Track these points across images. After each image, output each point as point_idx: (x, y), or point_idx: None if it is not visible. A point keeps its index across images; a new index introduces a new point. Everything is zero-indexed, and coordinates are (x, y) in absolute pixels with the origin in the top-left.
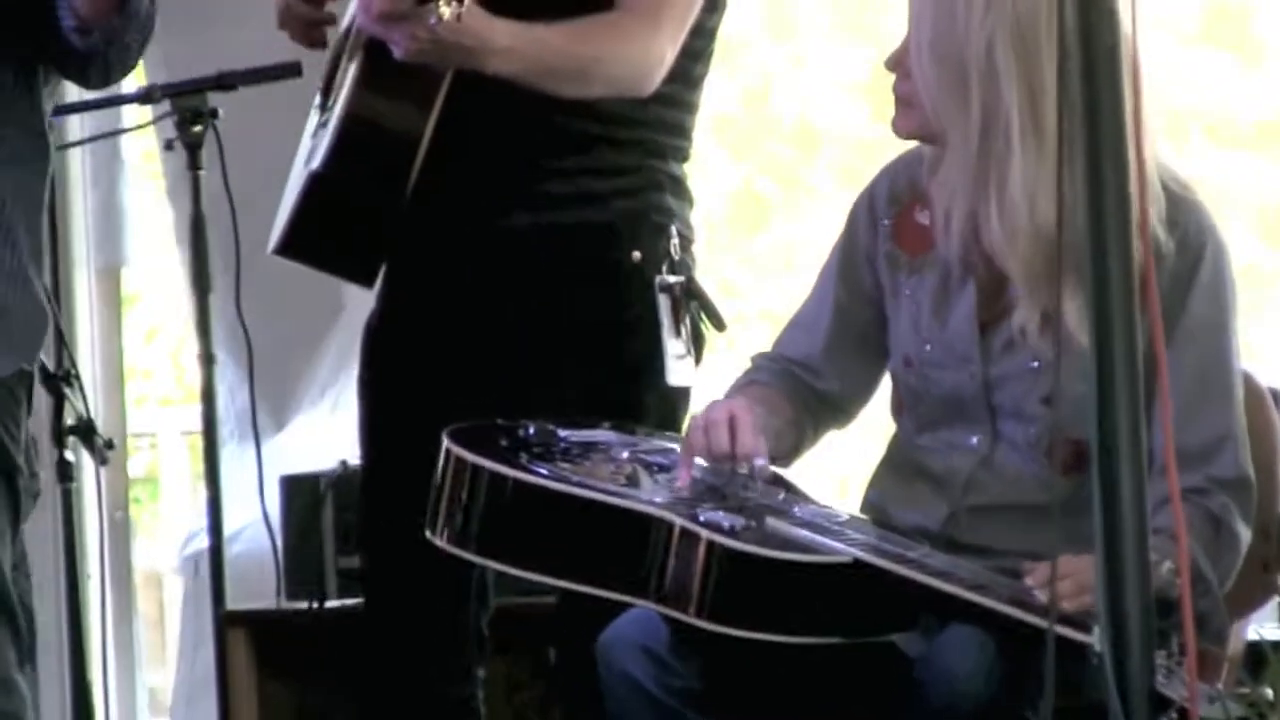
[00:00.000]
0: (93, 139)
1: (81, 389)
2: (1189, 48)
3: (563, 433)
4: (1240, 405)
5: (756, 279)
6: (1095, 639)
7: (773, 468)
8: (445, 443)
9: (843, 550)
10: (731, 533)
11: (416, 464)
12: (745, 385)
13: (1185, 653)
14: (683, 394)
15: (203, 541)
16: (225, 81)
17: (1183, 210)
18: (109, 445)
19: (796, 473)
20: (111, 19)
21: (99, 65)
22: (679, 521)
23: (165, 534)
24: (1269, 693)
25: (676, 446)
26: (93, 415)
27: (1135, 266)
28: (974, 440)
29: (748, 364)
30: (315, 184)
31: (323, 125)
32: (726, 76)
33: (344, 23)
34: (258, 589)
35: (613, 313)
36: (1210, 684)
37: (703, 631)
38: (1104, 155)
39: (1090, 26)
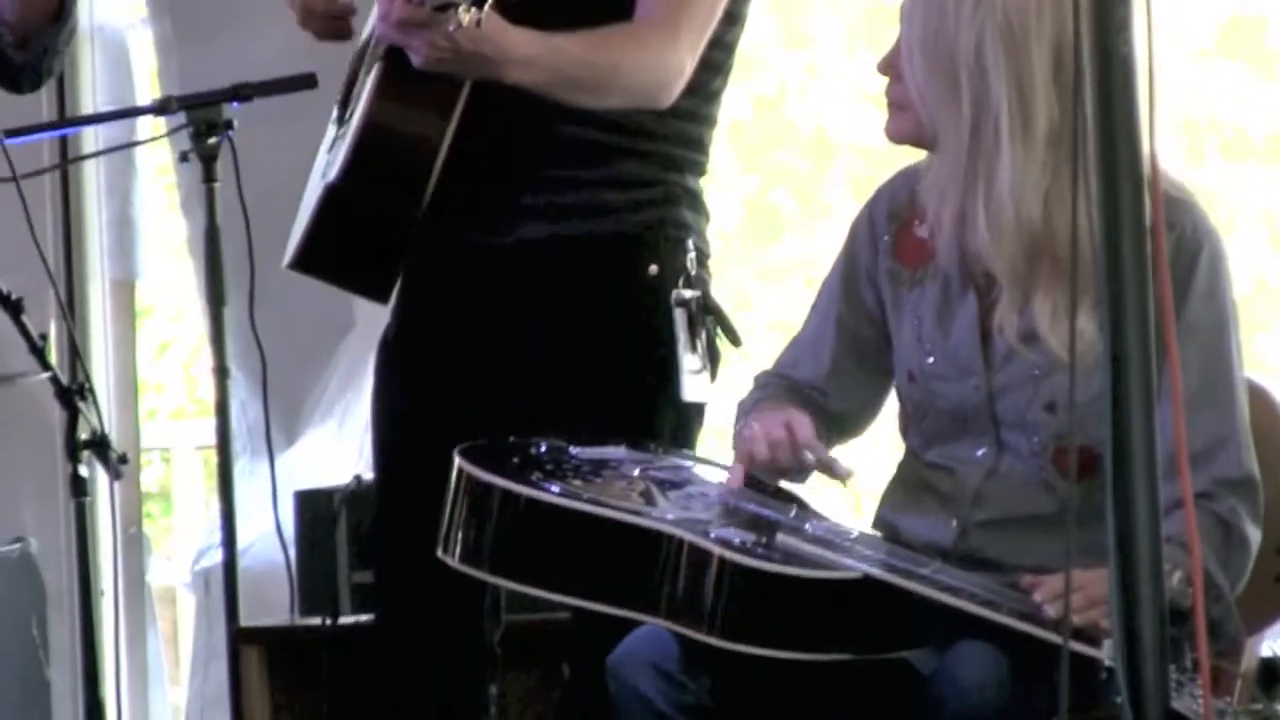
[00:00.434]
0: (107, 151)
1: (95, 403)
2: (1203, 60)
3: (574, 450)
4: (1243, 406)
5: (769, 290)
6: (1106, 653)
7: (784, 484)
8: (457, 461)
9: (854, 566)
10: (743, 549)
11: (430, 478)
12: (755, 403)
13: (1198, 668)
14: (698, 409)
15: (213, 557)
16: (241, 93)
17: (1179, 212)
18: (123, 460)
19: (809, 489)
20: (47, 30)
21: (30, 74)
22: (690, 538)
23: (179, 549)
24: None
25: (689, 463)
26: (106, 429)
27: (1149, 274)
28: (980, 453)
29: (751, 384)
30: (331, 196)
31: (340, 138)
32: (740, 86)
33: (364, 35)
34: (271, 604)
35: (629, 327)
36: (1223, 699)
37: (714, 648)
38: (1119, 163)
39: (1104, 37)
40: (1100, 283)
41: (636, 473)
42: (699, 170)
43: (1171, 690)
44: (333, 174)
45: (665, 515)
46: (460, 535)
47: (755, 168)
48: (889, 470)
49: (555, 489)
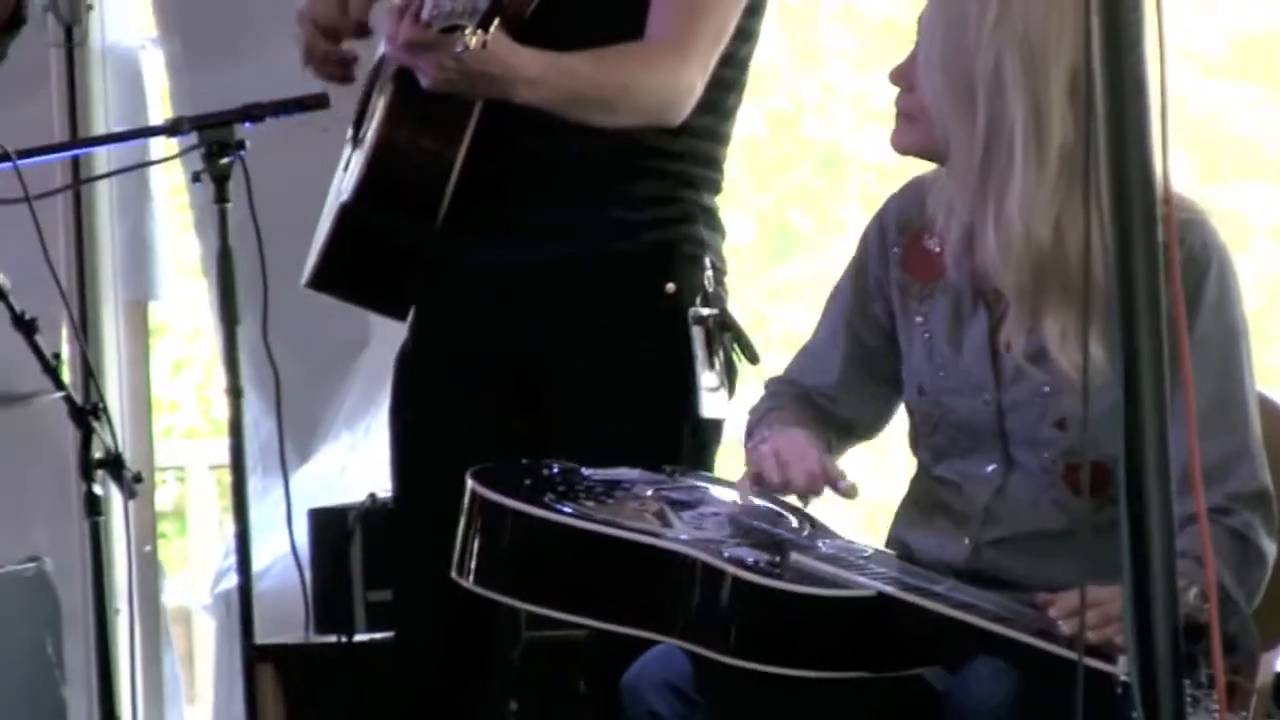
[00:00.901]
0: (119, 171)
1: (110, 422)
2: (1215, 78)
3: (586, 471)
4: (1256, 420)
5: (783, 308)
6: (1121, 669)
7: (796, 502)
8: (469, 483)
9: (867, 584)
10: (756, 568)
11: (446, 496)
12: (766, 412)
13: (1214, 683)
14: (716, 426)
15: (233, 579)
16: (252, 113)
17: (1187, 230)
18: (137, 479)
19: (823, 506)
20: (5, 35)
21: None
22: (703, 558)
23: (193, 569)
24: None
25: (702, 483)
26: (120, 449)
27: (1162, 292)
28: (989, 469)
29: (763, 389)
30: (346, 216)
31: (354, 159)
32: (754, 103)
33: (377, 55)
34: (288, 623)
35: (646, 344)
36: (1239, 714)
37: (728, 667)
38: (1131, 183)
39: (1117, 55)
40: (1112, 303)
41: (649, 493)
42: (714, 188)
43: (1187, 706)
44: (346, 194)
45: (679, 535)
46: (474, 557)
47: (769, 185)
48: (902, 487)
49: (568, 510)
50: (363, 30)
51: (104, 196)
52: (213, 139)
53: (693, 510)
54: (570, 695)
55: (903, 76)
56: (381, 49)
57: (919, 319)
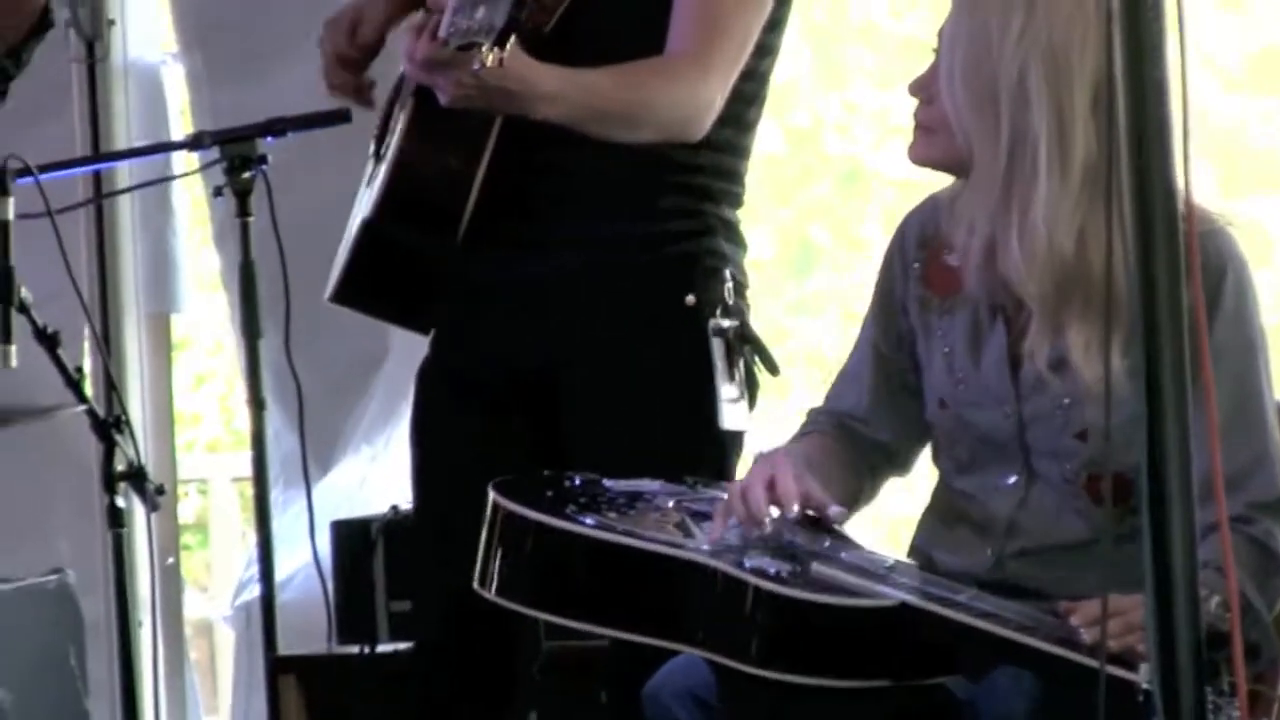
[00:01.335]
0: (141, 186)
1: (132, 435)
2: (1235, 93)
3: (608, 483)
4: (1274, 428)
5: (804, 323)
6: (1143, 677)
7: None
8: (491, 495)
9: (889, 594)
10: (778, 578)
11: (468, 508)
12: (803, 436)
13: (1236, 691)
14: (736, 438)
15: (254, 591)
16: (274, 128)
17: (1202, 238)
18: (160, 491)
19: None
20: (29, 41)
21: (4, 85)
22: (725, 569)
23: (216, 581)
24: None
25: (723, 495)
26: (143, 461)
27: (1183, 303)
28: (1010, 480)
29: (803, 419)
30: (367, 232)
31: (376, 174)
32: (775, 119)
33: (401, 71)
34: (309, 636)
35: (667, 356)
36: None
37: (751, 677)
38: (1153, 195)
39: (1138, 62)
40: (1134, 313)
41: (671, 504)
42: (735, 201)
43: (1209, 713)
44: (368, 210)
45: (700, 546)
46: (496, 569)
47: (789, 201)
48: (923, 501)
49: (590, 522)
50: (373, 54)
51: (126, 211)
52: (234, 154)
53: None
54: (591, 705)
55: (922, 88)
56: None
57: (939, 333)
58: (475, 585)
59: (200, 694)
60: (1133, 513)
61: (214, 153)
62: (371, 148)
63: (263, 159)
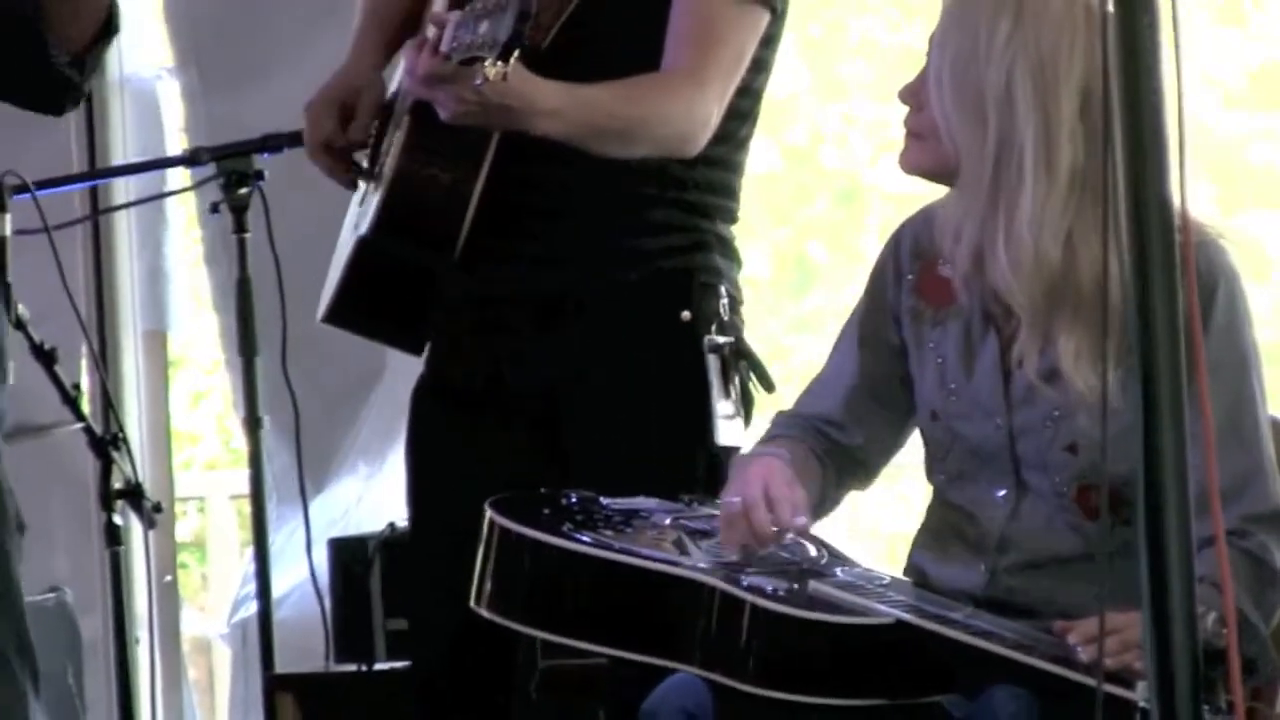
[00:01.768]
0: (138, 202)
1: (129, 452)
2: (1235, 108)
3: (605, 500)
4: (1269, 441)
5: (801, 340)
6: (1140, 695)
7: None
8: (488, 513)
9: (886, 612)
10: (774, 596)
11: (464, 526)
12: (769, 440)
13: (1233, 708)
14: (732, 454)
15: (250, 608)
16: (270, 143)
17: (1195, 250)
18: (157, 509)
19: (841, 534)
20: (98, 45)
21: (74, 94)
22: (722, 586)
23: (214, 599)
24: None
25: (720, 512)
26: (140, 479)
27: (1179, 316)
28: (1000, 493)
29: (769, 424)
30: (363, 250)
31: (370, 192)
32: (771, 136)
33: (390, 89)
34: (306, 653)
35: (662, 372)
36: None
37: (747, 695)
38: (1148, 208)
39: (1134, 82)
40: (1128, 325)
41: (668, 522)
42: (730, 217)
43: None
44: (364, 228)
45: (697, 564)
46: (492, 586)
47: (787, 219)
48: (917, 517)
49: (586, 539)
50: (364, 147)
51: (123, 227)
52: (231, 169)
53: (711, 539)
54: None
55: (913, 95)
56: (395, 82)
57: (930, 344)
58: (472, 603)
59: (198, 712)
60: (1125, 525)
61: (210, 168)
62: (362, 165)
63: (259, 175)
